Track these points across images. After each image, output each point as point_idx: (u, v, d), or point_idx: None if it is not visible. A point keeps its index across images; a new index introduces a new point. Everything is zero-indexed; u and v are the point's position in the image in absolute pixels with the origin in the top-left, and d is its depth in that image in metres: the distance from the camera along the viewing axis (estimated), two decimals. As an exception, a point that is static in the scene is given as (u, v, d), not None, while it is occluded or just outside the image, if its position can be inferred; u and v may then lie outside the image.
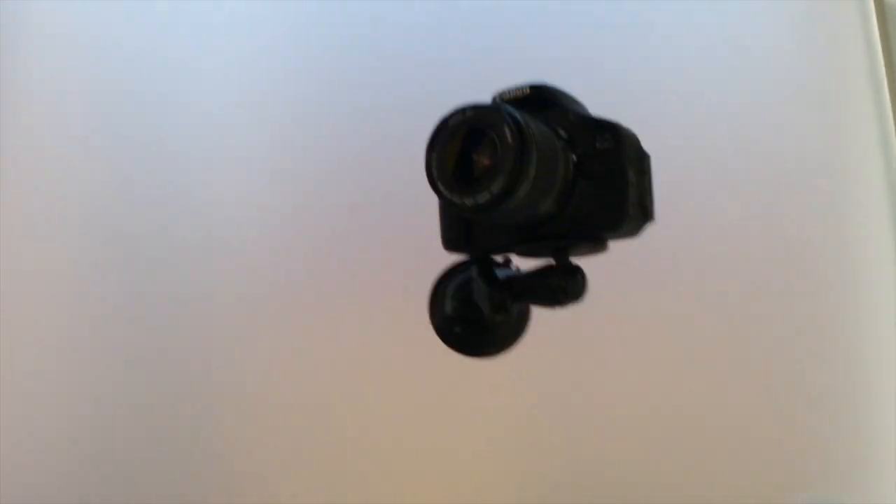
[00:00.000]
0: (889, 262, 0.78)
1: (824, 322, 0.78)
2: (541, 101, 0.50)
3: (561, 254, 0.53)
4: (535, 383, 0.79)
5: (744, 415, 0.75)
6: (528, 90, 0.50)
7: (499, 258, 0.57)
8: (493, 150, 0.44)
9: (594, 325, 0.78)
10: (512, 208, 0.44)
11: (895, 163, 0.79)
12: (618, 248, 0.54)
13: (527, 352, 0.58)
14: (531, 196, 0.44)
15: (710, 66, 0.83)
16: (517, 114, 0.44)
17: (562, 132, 0.48)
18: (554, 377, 0.79)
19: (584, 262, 0.52)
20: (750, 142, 0.81)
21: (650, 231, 0.54)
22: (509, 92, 0.50)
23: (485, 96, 0.49)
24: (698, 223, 0.80)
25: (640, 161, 0.51)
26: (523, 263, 0.55)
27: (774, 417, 0.75)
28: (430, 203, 0.50)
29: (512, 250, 0.53)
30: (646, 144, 0.53)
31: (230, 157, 0.81)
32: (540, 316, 0.58)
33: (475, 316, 0.58)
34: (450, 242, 0.54)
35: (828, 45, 0.82)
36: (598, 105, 0.53)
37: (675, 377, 0.77)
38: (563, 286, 0.52)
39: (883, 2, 0.83)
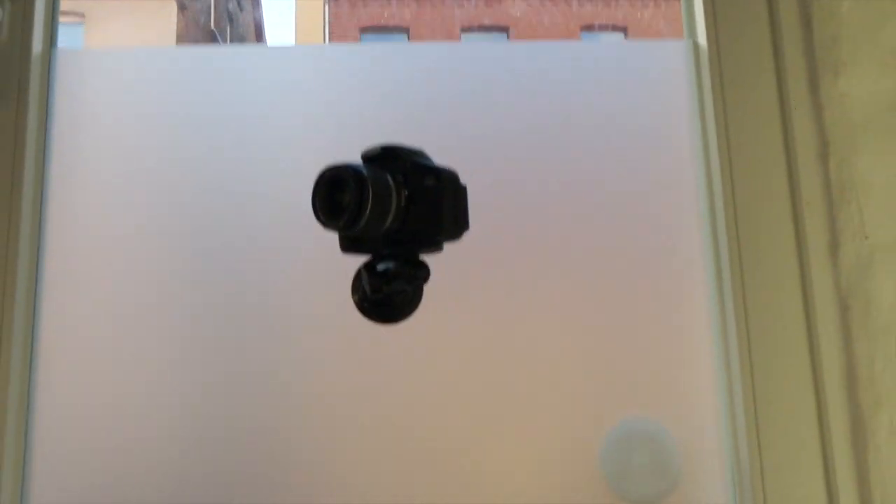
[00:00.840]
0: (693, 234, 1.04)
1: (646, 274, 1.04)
2: (388, 155, 0.78)
3: (412, 252, 0.81)
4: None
5: (573, 352, 1.02)
6: (380, 149, 0.78)
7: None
8: (347, 192, 0.72)
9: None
10: (363, 226, 0.73)
11: (703, 177, 1.05)
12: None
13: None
14: (373, 218, 0.72)
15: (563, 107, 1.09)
16: (359, 168, 0.72)
17: (399, 176, 0.76)
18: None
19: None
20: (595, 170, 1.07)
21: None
22: (368, 150, 0.78)
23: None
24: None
25: (456, 192, 0.80)
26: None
27: (602, 352, 1.02)
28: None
29: (381, 251, 0.81)
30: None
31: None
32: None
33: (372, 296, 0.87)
34: (344, 248, 0.82)
35: (651, 84, 1.08)
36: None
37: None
38: (413, 273, 0.81)
39: (698, 47, 1.08)
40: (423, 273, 0.81)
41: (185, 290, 1.03)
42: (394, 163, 0.77)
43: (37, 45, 1.01)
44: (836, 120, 0.99)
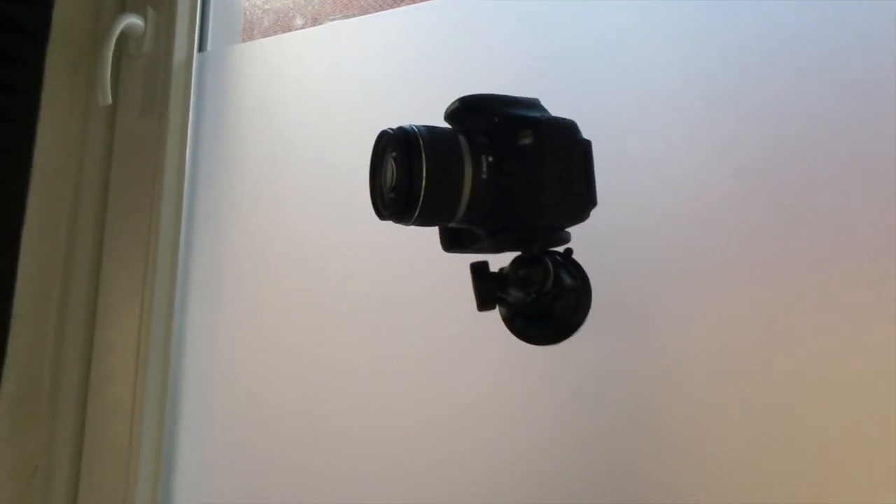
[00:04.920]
0: None
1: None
2: (470, 109, 0.54)
3: (525, 245, 0.56)
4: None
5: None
6: (458, 103, 0.55)
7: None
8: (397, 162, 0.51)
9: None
10: (426, 209, 0.51)
11: None
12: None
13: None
14: (435, 196, 0.50)
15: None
16: (410, 128, 0.51)
17: (481, 136, 0.52)
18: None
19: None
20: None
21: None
22: (449, 106, 0.56)
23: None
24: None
25: (569, 149, 0.53)
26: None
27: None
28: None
29: (484, 247, 0.58)
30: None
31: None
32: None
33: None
34: (445, 245, 0.60)
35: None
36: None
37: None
38: (525, 275, 0.56)
39: None
40: (538, 274, 0.56)
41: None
42: (478, 119, 0.54)
43: (179, 52, 0.96)
44: None
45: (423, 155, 0.49)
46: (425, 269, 0.84)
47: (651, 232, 0.76)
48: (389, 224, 0.54)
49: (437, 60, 0.91)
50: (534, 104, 0.56)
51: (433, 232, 0.59)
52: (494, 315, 0.64)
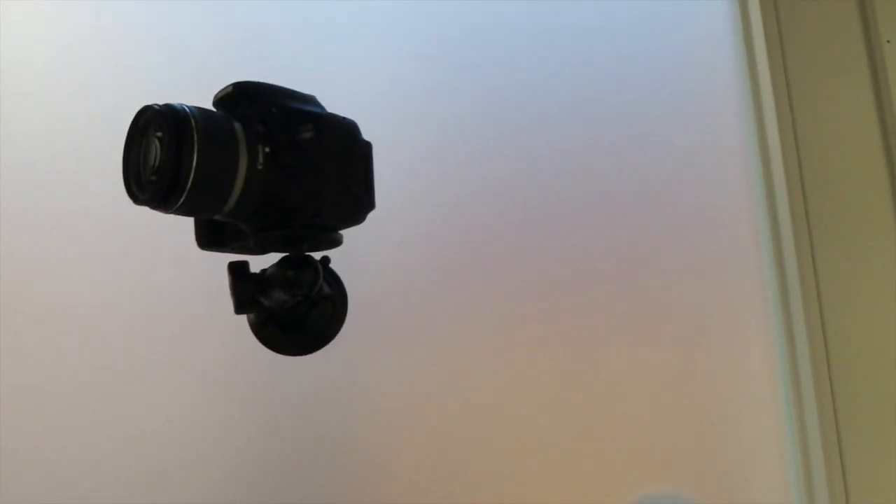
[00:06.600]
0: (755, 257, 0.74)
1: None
2: (244, 97, 0.51)
3: (294, 246, 0.54)
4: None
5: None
6: (231, 88, 0.51)
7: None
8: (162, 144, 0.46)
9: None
10: (191, 199, 0.46)
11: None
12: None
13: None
14: (204, 185, 0.46)
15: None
16: (181, 107, 0.46)
17: (258, 125, 0.49)
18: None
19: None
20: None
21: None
22: (220, 91, 0.52)
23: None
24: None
25: (349, 150, 0.52)
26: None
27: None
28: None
29: (248, 245, 0.54)
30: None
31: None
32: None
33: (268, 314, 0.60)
34: (201, 241, 0.55)
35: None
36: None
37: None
38: (294, 277, 0.53)
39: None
40: (307, 276, 0.53)
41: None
42: (253, 107, 0.51)
43: None
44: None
45: (195, 137, 0.45)
46: (173, 269, 0.77)
47: (400, 244, 0.78)
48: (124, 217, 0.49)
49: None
50: (312, 100, 0.54)
51: (186, 224, 0.54)
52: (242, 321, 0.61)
